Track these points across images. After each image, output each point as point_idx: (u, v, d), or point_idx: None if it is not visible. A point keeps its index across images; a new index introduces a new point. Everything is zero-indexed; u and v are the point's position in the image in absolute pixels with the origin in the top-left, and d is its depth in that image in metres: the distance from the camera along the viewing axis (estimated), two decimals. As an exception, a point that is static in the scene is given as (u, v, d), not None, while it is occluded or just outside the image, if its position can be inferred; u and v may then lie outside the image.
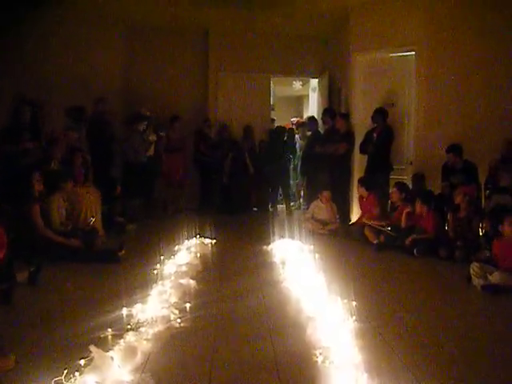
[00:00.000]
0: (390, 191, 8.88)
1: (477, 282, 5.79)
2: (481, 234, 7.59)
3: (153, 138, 10.59)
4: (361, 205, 9.36)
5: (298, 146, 12.96)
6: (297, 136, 13.24)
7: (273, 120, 13.87)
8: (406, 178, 9.53)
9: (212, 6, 10.42)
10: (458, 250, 7.22)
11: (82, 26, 10.90)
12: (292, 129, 13.63)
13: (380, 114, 9.51)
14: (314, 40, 12.69)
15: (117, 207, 9.43)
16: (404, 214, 8.14)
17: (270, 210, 12.14)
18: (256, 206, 12.16)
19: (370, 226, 8.46)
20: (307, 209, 10.06)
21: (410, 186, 9.16)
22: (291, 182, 12.94)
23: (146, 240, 8.47)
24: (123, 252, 6.95)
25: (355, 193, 9.94)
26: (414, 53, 9.60)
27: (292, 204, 12.54)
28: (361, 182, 9.29)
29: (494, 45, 9.18)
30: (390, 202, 8.97)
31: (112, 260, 6.73)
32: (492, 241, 6.38)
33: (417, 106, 9.63)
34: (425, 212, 7.92)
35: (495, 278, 5.68)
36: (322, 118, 11.22)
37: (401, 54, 9.84)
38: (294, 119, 14.38)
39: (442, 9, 9.36)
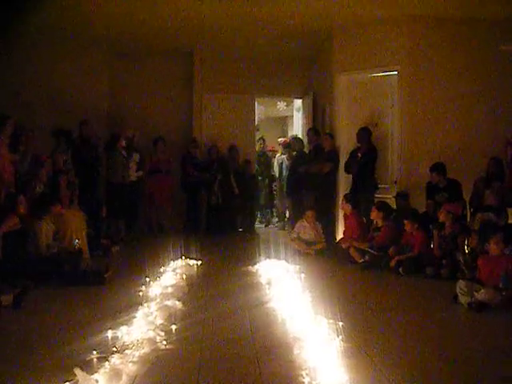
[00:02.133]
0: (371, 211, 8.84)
1: (463, 299, 5.79)
2: (466, 251, 7.61)
3: (136, 157, 10.60)
4: (345, 223, 9.38)
5: (284, 166, 13.04)
6: (283, 156, 13.29)
7: (263, 140, 14.02)
8: (390, 196, 9.52)
9: (197, 26, 10.42)
10: (444, 267, 7.25)
11: (66, 48, 10.98)
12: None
13: (364, 134, 9.55)
14: (297, 61, 12.76)
15: (102, 229, 9.42)
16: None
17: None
18: (241, 227, 12.16)
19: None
20: (293, 229, 10.06)
21: (394, 205, 9.19)
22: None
23: (131, 261, 8.44)
24: (109, 273, 6.91)
25: (340, 212, 9.96)
26: (396, 72, 9.70)
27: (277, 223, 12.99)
28: (346, 198, 9.25)
29: (475, 64, 9.38)
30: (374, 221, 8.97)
31: (97, 282, 6.69)
32: (477, 258, 6.41)
33: (400, 125, 9.69)
34: (414, 230, 7.95)
35: (482, 295, 5.68)
36: (307, 135, 11.31)
37: (384, 73, 9.93)
38: (281, 139, 14.44)
39: (424, 30, 9.51)
